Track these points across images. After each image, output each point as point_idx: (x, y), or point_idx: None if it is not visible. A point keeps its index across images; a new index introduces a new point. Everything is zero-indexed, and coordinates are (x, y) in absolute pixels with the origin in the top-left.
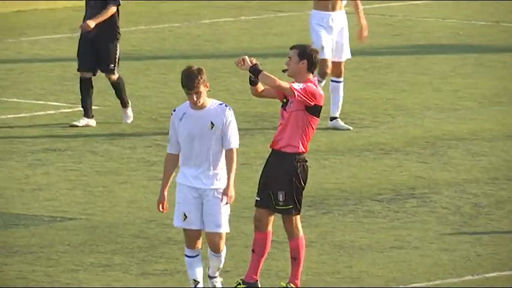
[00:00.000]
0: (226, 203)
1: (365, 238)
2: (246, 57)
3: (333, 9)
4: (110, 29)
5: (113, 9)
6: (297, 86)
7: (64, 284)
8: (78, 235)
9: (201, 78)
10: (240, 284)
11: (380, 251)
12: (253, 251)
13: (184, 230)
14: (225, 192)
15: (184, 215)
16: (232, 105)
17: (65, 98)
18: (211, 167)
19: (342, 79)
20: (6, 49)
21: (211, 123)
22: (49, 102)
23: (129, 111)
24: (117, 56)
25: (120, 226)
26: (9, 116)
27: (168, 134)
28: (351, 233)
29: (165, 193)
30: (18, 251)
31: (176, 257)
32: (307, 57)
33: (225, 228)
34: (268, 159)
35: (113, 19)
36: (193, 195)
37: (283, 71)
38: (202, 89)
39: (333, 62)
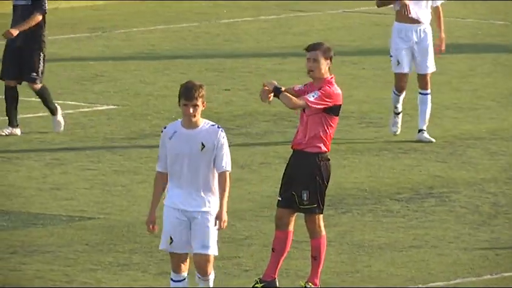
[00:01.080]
0: (219, 228)
1: (384, 237)
2: (265, 86)
3: (414, 21)
4: (34, 37)
5: (38, 18)
6: (312, 97)
7: (82, 284)
8: (97, 234)
9: (201, 91)
10: (257, 283)
11: (399, 250)
12: (273, 250)
13: (170, 253)
14: (218, 217)
15: (171, 238)
16: (252, 105)
17: (84, 97)
18: (201, 190)
19: (428, 91)
20: None
21: (202, 144)
22: (68, 102)
23: (59, 117)
24: (40, 65)
25: (138, 225)
26: (28, 115)
27: None
28: (369, 232)
29: (155, 213)
30: (36, 250)
31: None
32: (331, 57)
33: (213, 251)
34: (290, 159)
35: (39, 27)
36: (181, 218)
37: (309, 73)
38: (200, 103)
39: (418, 75)
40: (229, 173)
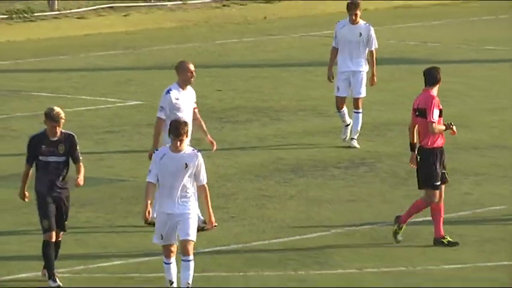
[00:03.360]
0: (210, 228)
1: (329, 194)
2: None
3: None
4: None
5: None
6: (434, 116)
7: (118, 228)
8: (129, 192)
9: (186, 128)
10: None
11: (340, 203)
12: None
13: (162, 245)
14: (208, 221)
15: (161, 235)
16: (237, 101)
17: (119, 96)
18: (184, 197)
19: (360, 110)
20: (78, 61)
21: (186, 164)
22: (108, 99)
23: None
24: None
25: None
26: (80, 108)
27: None
28: (319, 190)
29: (148, 208)
30: (86, 203)
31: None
32: None
33: (193, 237)
34: (436, 153)
35: None
36: (169, 219)
37: None
38: (185, 137)
39: (353, 98)
40: (206, 184)
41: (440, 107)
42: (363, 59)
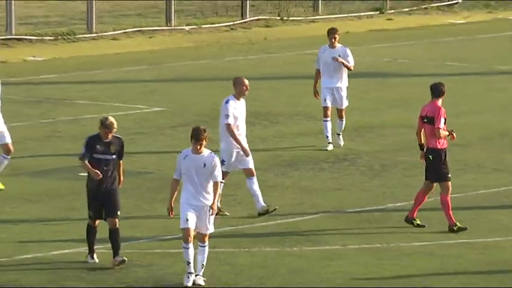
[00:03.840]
0: (212, 214)
1: (319, 184)
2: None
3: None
4: None
5: None
6: (441, 123)
7: (145, 211)
8: (155, 182)
9: (205, 134)
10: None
11: (328, 192)
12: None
13: (184, 229)
14: (211, 207)
15: (187, 219)
16: None
17: (145, 103)
18: (202, 191)
19: (344, 119)
20: (112, 75)
21: (204, 164)
22: (137, 106)
23: None
24: None
25: None
26: (113, 113)
27: None
28: (310, 181)
29: (172, 204)
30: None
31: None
32: None
33: (211, 230)
34: (445, 152)
35: None
36: (192, 208)
37: None
38: (204, 142)
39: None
40: (220, 182)
41: (445, 116)
42: (343, 75)
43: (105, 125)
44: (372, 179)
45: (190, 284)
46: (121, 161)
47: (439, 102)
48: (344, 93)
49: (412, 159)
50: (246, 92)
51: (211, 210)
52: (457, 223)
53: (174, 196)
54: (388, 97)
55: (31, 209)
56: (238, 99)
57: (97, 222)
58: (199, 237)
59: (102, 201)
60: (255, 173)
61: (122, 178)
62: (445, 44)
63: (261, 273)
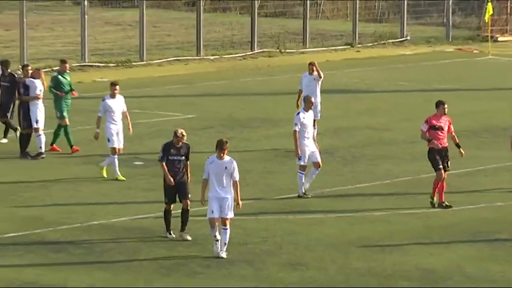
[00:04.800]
0: (238, 209)
1: (307, 170)
2: None
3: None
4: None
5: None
6: (423, 127)
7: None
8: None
9: (227, 145)
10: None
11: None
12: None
13: (210, 219)
14: (237, 203)
15: (212, 211)
16: (252, 114)
17: (182, 111)
18: (226, 188)
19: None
20: (158, 91)
21: (225, 167)
22: (174, 113)
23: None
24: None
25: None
26: (159, 119)
27: None
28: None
29: (204, 197)
30: None
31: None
32: None
33: (232, 215)
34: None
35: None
36: (218, 201)
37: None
38: (226, 151)
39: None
40: (238, 181)
41: (431, 123)
42: (318, 94)
43: (176, 135)
44: (344, 166)
45: (216, 252)
46: (188, 162)
47: (436, 112)
48: (318, 107)
49: (375, 152)
50: (312, 106)
51: (234, 203)
52: (445, 202)
53: (205, 191)
54: (357, 107)
55: (102, 189)
56: (307, 111)
57: (172, 206)
58: (222, 222)
59: (176, 189)
60: (321, 165)
61: (189, 175)
62: (397, 69)
63: (265, 235)
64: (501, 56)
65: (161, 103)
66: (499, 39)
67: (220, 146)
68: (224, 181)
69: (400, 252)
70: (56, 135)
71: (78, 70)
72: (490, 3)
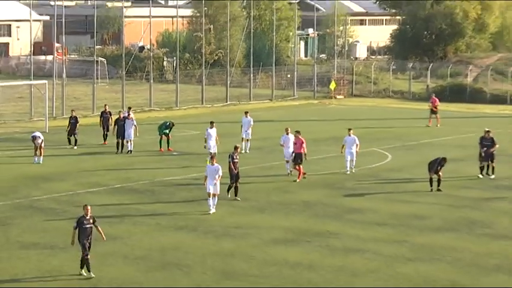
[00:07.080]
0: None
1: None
2: None
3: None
4: None
5: None
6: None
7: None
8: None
9: (215, 157)
10: None
11: (306, 167)
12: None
13: (208, 193)
14: (217, 185)
15: (209, 188)
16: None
17: (201, 130)
18: (214, 179)
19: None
20: (183, 124)
21: (215, 170)
22: (191, 132)
23: None
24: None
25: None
26: (188, 133)
27: None
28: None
29: (206, 183)
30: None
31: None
32: None
33: (218, 191)
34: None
35: None
36: (211, 185)
37: None
38: (215, 159)
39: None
40: (221, 176)
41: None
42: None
43: (235, 147)
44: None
45: (211, 211)
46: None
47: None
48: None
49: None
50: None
51: (218, 187)
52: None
53: (206, 181)
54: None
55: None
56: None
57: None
58: (213, 195)
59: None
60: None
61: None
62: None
63: (258, 197)
64: (338, 105)
65: (185, 127)
66: (337, 97)
67: (211, 158)
68: (215, 177)
69: None
70: None
71: (145, 112)
72: (333, 81)
